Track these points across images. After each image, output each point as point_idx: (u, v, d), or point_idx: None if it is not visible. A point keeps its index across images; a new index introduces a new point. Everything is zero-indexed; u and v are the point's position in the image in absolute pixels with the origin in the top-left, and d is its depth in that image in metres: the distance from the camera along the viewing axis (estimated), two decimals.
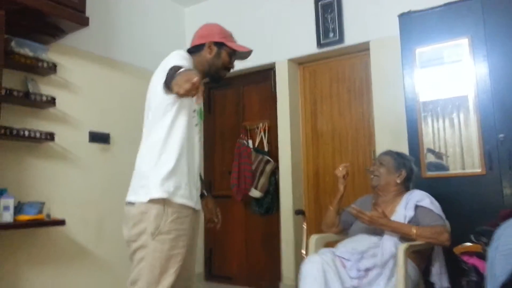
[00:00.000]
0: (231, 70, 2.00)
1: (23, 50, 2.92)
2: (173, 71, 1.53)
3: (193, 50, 1.94)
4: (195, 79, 1.33)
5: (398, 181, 2.40)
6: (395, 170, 2.42)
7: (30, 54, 2.96)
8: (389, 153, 2.51)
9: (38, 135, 2.98)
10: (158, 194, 1.68)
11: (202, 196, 2.09)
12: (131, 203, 1.75)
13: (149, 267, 1.68)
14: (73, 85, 3.39)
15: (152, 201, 1.68)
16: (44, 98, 3.05)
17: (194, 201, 1.80)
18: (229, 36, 1.97)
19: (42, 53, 3.05)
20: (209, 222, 2.14)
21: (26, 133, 2.90)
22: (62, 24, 3.03)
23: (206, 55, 1.92)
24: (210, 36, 1.94)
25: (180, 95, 1.38)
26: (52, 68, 3.11)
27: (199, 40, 1.96)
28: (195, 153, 1.84)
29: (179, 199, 1.72)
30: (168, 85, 1.53)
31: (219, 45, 1.92)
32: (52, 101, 3.10)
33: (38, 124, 3.11)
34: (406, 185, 2.43)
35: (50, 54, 3.16)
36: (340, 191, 2.54)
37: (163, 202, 1.69)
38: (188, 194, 1.76)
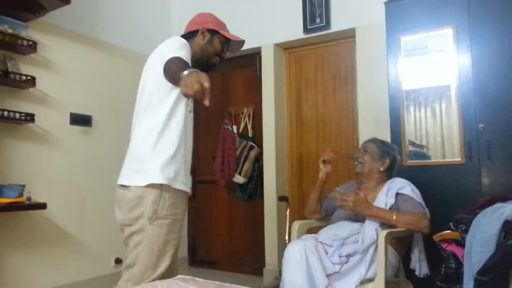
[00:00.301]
0: (222, 59, 2.02)
1: (1, 27, 2.84)
2: (180, 66, 1.54)
3: (187, 36, 1.96)
4: (206, 83, 1.34)
5: (382, 169, 2.43)
6: (379, 158, 2.45)
7: (9, 31, 2.88)
8: (374, 140, 2.53)
9: (17, 116, 2.92)
10: (158, 179, 1.69)
11: None
12: (125, 186, 1.74)
13: (147, 250, 1.69)
14: (54, 64, 3.31)
15: (150, 185, 1.68)
16: (24, 78, 2.98)
17: (189, 187, 1.83)
18: (223, 25, 2.02)
19: (22, 31, 2.97)
20: None
21: (5, 113, 2.84)
22: (43, 0, 2.94)
23: (199, 41, 1.95)
24: (204, 23, 1.98)
25: (187, 96, 1.38)
26: (32, 46, 3.03)
27: (193, 27, 2.00)
28: (190, 139, 1.87)
29: (178, 185, 1.74)
30: (172, 78, 1.55)
31: (212, 32, 1.96)
32: (32, 81, 3.02)
33: (18, 104, 3.03)
34: (389, 173, 2.47)
35: (30, 32, 3.08)
36: (320, 178, 2.54)
37: (161, 187, 1.70)
38: (186, 180, 1.79)
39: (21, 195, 2.84)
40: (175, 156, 1.74)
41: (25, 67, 3.09)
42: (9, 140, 2.99)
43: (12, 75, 2.90)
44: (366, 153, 2.46)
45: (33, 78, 3.03)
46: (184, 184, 1.78)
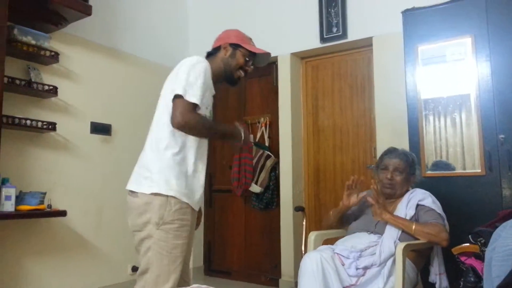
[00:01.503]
0: (246, 72, 2.05)
1: (25, 38, 2.91)
2: (218, 129, 2.00)
3: (212, 53, 2.03)
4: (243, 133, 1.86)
5: (411, 188, 2.38)
6: (409, 177, 2.37)
7: (33, 42, 2.96)
8: (400, 156, 2.37)
9: (40, 124, 2.99)
10: (164, 190, 1.74)
11: None
12: (134, 193, 1.78)
13: (157, 256, 1.72)
14: (75, 74, 3.39)
15: (156, 194, 1.73)
16: (46, 87, 3.05)
17: (196, 203, 1.87)
18: (247, 39, 2.04)
19: (45, 42, 3.05)
20: None
21: (28, 122, 2.91)
22: (65, 12, 3.03)
23: (222, 55, 2.00)
24: (227, 38, 2.02)
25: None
26: (55, 57, 3.11)
27: (217, 43, 2.05)
28: (205, 158, 1.96)
29: (184, 199, 1.79)
30: (214, 135, 1.98)
31: (235, 46, 1.99)
32: (54, 91, 3.10)
33: (40, 113, 3.11)
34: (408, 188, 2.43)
35: (53, 43, 3.16)
36: (343, 205, 2.40)
37: (166, 196, 1.74)
38: (193, 197, 1.84)
39: (42, 202, 2.90)
40: (186, 171, 1.82)
41: (48, 77, 3.17)
42: (31, 148, 3.07)
43: (35, 85, 2.98)
44: (399, 173, 2.33)
45: (55, 88, 3.10)
46: (190, 199, 1.81)
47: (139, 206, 1.75)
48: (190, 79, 1.78)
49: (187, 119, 1.75)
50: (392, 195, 2.36)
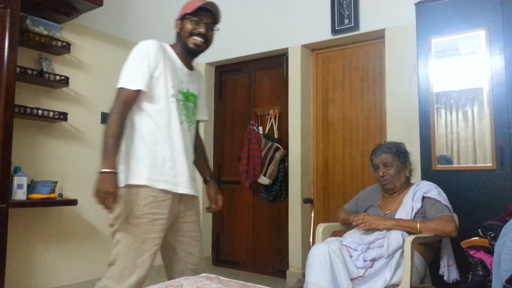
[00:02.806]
0: (202, 34, 1.92)
1: (37, 29, 2.94)
2: (104, 148, 1.72)
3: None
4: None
5: (408, 174, 2.39)
6: (402, 167, 2.37)
7: (45, 32, 2.98)
8: (385, 150, 2.39)
9: (51, 114, 3.02)
10: (135, 180, 1.75)
11: (206, 181, 2.13)
12: None
13: (124, 249, 1.74)
14: (87, 65, 3.41)
15: (128, 185, 1.74)
16: (58, 78, 3.08)
17: (180, 186, 1.84)
18: (191, 6, 1.91)
19: (56, 32, 3.07)
20: (207, 209, 2.18)
21: (40, 112, 2.94)
22: (77, 2, 3.04)
23: (176, 33, 1.97)
24: (177, 16, 1.97)
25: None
26: (66, 47, 3.13)
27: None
28: (180, 139, 1.86)
29: (162, 185, 1.77)
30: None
31: (181, 18, 1.93)
32: (65, 81, 3.12)
33: (52, 103, 3.14)
34: (409, 177, 2.41)
35: (64, 33, 3.18)
36: (352, 222, 2.35)
37: (138, 187, 1.75)
38: (171, 180, 1.80)
39: (53, 191, 2.94)
40: (151, 157, 1.78)
41: (59, 67, 3.20)
42: (43, 138, 3.10)
43: (46, 75, 3.00)
44: (388, 167, 2.35)
45: (67, 78, 3.13)
46: (169, 183, 1.79)
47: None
48: (134, 62, 1.81)
49: (111, 107, 1.77)
50: (393, 189, 2.36)
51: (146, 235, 1.75)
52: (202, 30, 1.90)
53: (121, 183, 1.74)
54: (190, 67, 2.00)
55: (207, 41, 1.95)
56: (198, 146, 2.11)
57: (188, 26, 1.90)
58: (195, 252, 1.96)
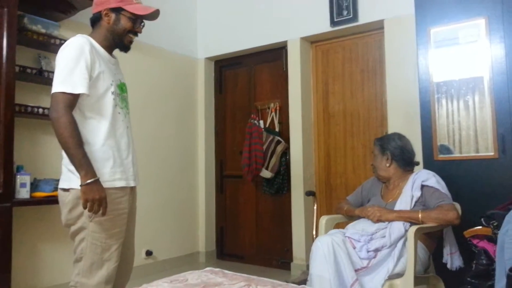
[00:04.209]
0: (138, 34, 1.92)
1: (35, 27, 2.92)
2: (72, 156, 1.68)
3: (93, 21, 1.90)
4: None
5: (387, 164, 2.39)
6: (382, 156, 2.42)
7: (43, 31, 2.97)
8: (374, 142, 2.51)
9: None
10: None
11: None
12: (64, 190, 1.79)
13: (91, 246, 1.76)
14: None
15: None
16: None
17: (131, 180, 1.87)
18: (136, 4, 1.86)
19: (54, 30, 3.05)
20: None
21: (40, 110, 2.93)
22: (74, 0, 3.02)
23: (105, 24, 1.84)
24: (106, 3, 1.83)
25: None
26: None
27: (95, 9, 1.88)
28: (124, 133, 1.87)
29: (117, 183, 1.79)
30: (67, 155, 1.71)
31: (117, 10, 1.83)
32: None
33: None
34: (403, 164, 2.39)
35: (62, 31, 3.17)
36: (356, 214, 2.42)
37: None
38: (123, 176, 1.83)
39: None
40: (105, 157, 1.77)
41: None
42: (44, 136, 3.10)
43: (46, 73, 2.99)
44: (374, 157, 2.47)
45: None
46: (123, 180, 1.82)
47: (70, 201, 1.76)
48: (69, 66, 1.71)
49: (53, 115, 1.70)
50: (384, 177, 2.42)
51: (111, 231, 1.78)
52: (140, 30, 1.90)
53: (76, 184, 1.71)
54: (112, 56, 1.95)
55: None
56: None
57: (128, 23, 1.84)
58: (130, 243, 1.98)
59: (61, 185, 1.81)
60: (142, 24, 1.92)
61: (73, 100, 1.71)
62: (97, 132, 1.78)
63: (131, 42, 1.90)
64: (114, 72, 1.89)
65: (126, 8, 1.83)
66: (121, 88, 1.92)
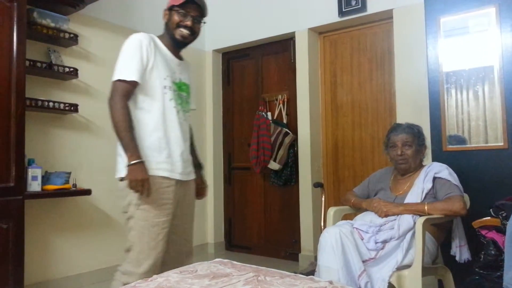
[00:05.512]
0: (189, 27, 1.97)
1: (45, 21, 2.94)
2: (121, 138, 1.82)
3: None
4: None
5: (423, 157, 2.38)
6: (420, 149, 2.35)
7: (52, 24, 2.99)
8: (408, 130, 2.36)
9: (62, 106, 3.05)
10: None
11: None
12: (120, 179, 1.91)
13: (138, 235, 1.84)
14: (95, 56, 3.42)
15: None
16: (67, 69, 3.10)
17: (177, 173, 1.93)
18: None
19: (63, 24, 3.07)
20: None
21: (51, 104, 2.97)
22: None
23: (164, 23, 2.02)
24: (166, 5, 2.02)
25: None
26: (74, 38, 3.14)
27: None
28: (176, 128, 1.94)
29: (161, 173, 1.86)
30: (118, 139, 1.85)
31: (169, 9, 1.99)
32: (74, 72, 3.14)
33: (62, 95, 3.17)
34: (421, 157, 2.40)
35: (71, 25, 3.19)
36: (364, 208, 2.39)
37: None
38: (169, 167, 1.89)
39: (67, 182, 2.98)
40: (150, 146, 1.86)
41: (68, 59, 3.21)
42: (55, 129, 3.14)
43: (55, 67, 3.02)
44: (407, 147, 2.32)
45: (76, 70, 3.15)
46: (167, 171, 1.88)
47: (122, 190, 1.87)
48: (128, 55, 1.87)
49: (110, 102, 1.85)
50: (408, 170, 2.35)
51: (156, 219, 1.84)
52: (188, 23, 1.96)
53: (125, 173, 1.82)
54: (179, 57, 2.07)
55: (194, 33, 2.00)
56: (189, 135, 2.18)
57: (175, 17, 1.96)
58: (187, 235, 2.07)
59: (116, 174, 1.93)
60: (196, 19, 1.98)
61: (128, 88, 1.84)
62: (147, 122, 1.88)
63: (182, 36, 1.97)
64: (174, 70, 1.99)
65: (173, 3, 1.96)
66: (180, 87, 2.00)
